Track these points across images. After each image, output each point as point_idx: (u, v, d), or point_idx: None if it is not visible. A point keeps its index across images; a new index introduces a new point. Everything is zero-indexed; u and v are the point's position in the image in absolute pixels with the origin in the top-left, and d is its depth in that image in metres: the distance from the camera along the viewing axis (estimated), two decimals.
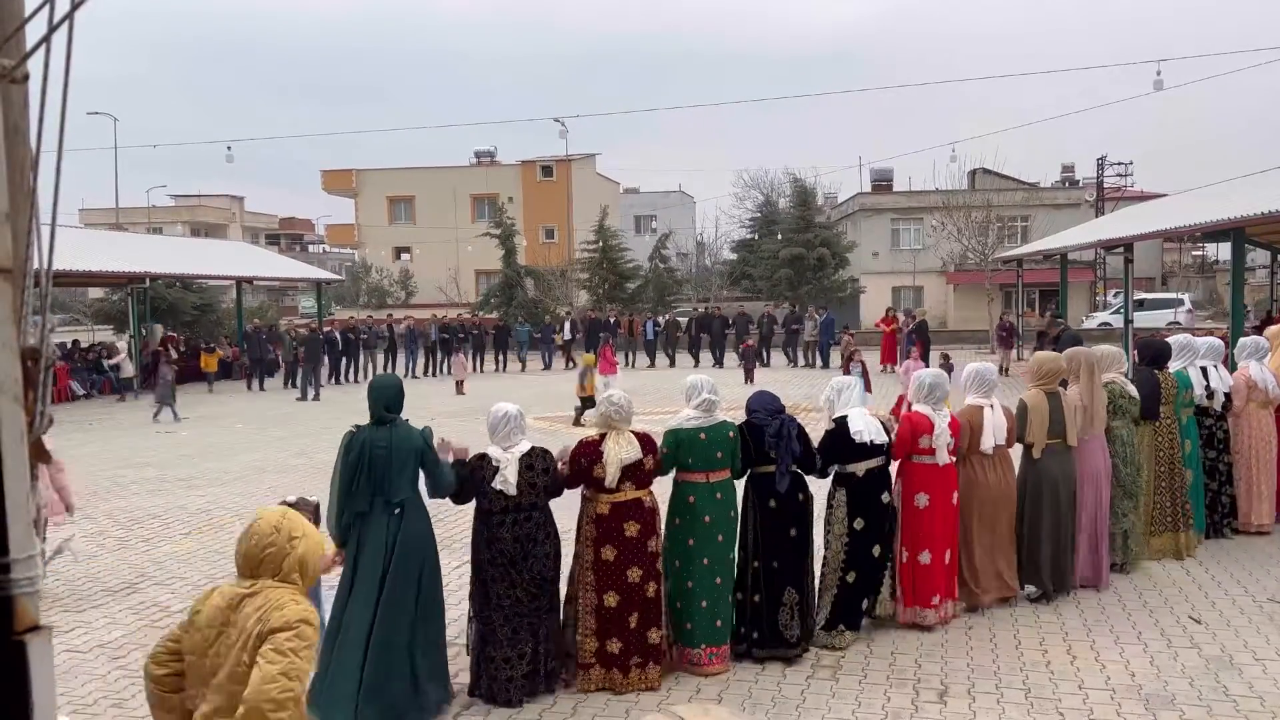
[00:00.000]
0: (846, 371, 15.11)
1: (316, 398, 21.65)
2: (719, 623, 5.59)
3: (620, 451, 5.28)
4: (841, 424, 5.97)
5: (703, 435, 5.56)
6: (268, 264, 37.60)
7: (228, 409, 20.50)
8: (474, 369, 27.36)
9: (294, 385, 23.78)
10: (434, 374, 27.03)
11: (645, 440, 5.44)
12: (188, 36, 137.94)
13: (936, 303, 44.68)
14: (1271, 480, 8.24)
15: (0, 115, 1.00)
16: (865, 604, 6.06)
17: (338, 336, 26.31)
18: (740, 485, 5.81)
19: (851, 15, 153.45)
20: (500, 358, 29.19)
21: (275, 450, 14.46)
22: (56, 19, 1.07)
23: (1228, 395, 8.11)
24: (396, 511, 5.02)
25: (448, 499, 5.34)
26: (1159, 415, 7.50)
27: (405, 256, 52.68)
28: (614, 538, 5.30)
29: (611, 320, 30.35)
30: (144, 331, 26.40)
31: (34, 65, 1.10)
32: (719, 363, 28.04)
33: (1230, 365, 8.63)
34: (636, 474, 5.35)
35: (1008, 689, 5.26)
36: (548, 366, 29.00)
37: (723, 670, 5.57)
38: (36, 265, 1.11)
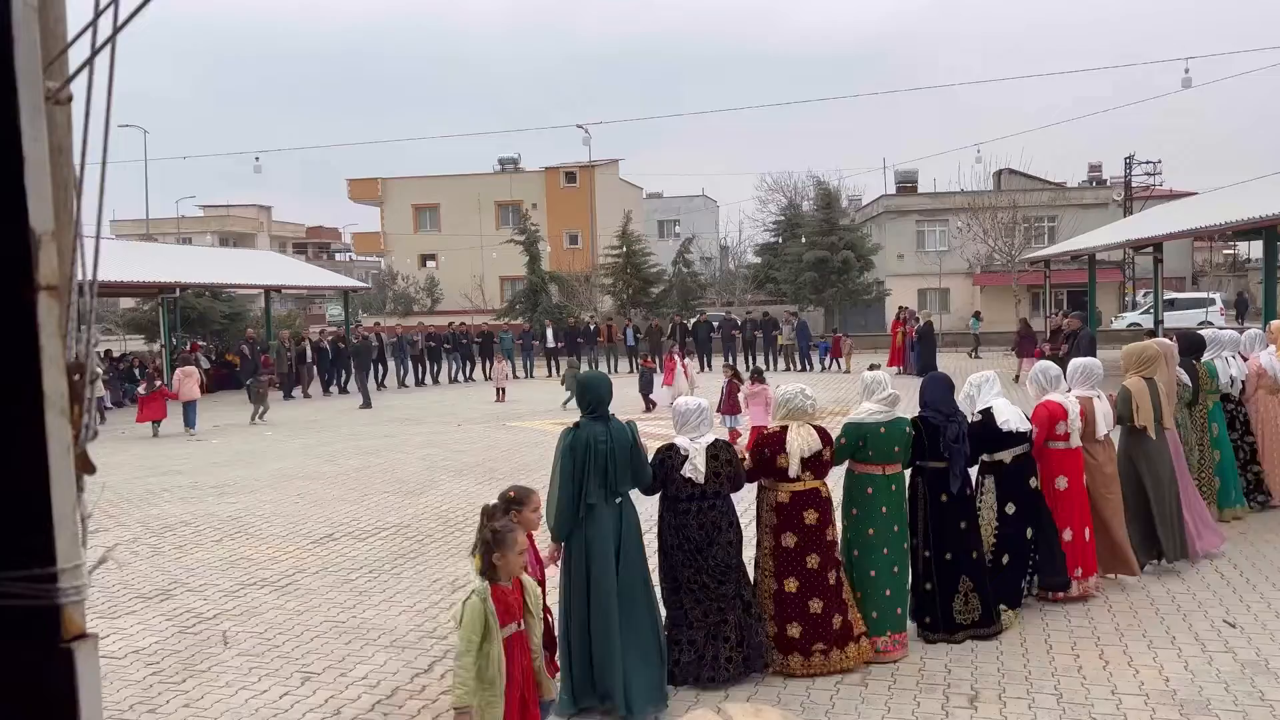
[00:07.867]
0: None
1: (367, 404, 21.72)
2: (899, 610, 5.82)
3: (802, 442, 5.48)
4: (987, 415, 6.26)
5: (883, 429, 5.81)
6: (295, 273, 37.98)
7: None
8: (465, 377, 27.75)
9: (289, 397, 24.36)
10: (426, 381, 27.38)
11: (823, 433, 5.65)
12: (212, 47, 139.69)
13: (963, 304, 44.38)
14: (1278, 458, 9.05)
15: (45, 137, 1.03)
16: (1024, 585, 6.41)
17: (327, 347, 26.24)
18: (907, 475, 6.06)
19: (874, 17, 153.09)
20: (488, 365, 28.51)
21: (304, 457, 14.59)
22: (100, 40, 1.10)
23: (1244, 383, 8.91)
24: (619, 502, 5.21)
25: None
26: (1199, 402, 8.28)
27: (431, 264, 52.99)
28: (794, 525, 5.51)
29: (591, 328, 30.24)
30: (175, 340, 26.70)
31: (76, 86, 1.13)
32: (703, 368, 27.81)
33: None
34: (815, 464, 5.55)
35: (1039, 694, 5.21)
36: (529, 375, 28.79)
37: (902, 656, 5.74)
38: (79, 278, 1.14)
